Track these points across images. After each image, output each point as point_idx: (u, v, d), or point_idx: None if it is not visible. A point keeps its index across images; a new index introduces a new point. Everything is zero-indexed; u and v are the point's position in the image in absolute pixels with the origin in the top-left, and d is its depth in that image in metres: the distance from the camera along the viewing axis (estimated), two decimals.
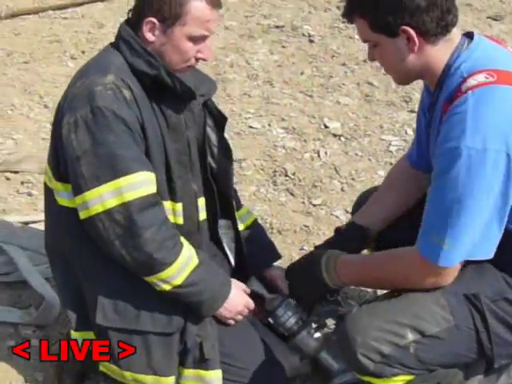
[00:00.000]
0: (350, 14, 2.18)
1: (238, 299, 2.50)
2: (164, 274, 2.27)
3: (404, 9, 2.03)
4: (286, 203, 3.79)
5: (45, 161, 2.61)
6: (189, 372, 2.43)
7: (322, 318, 2.63)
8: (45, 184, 2.49)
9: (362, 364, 2.15)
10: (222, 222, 2.70)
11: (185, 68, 2.37)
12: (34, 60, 5.58)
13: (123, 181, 2.18)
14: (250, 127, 4.55)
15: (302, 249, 3.41)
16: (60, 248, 2.49)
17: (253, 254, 2.76)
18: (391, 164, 3.96)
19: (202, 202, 2.55)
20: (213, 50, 5.43)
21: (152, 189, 2.25)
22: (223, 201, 2.68)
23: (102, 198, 2.19)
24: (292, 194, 3.85)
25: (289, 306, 2.56)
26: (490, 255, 2.06)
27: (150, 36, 2.28)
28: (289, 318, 2.54)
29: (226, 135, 2.67)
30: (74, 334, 2.51)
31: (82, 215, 2.25)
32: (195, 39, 2.30)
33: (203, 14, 2.27)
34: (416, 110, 2.68)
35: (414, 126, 2.61)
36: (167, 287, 2.31)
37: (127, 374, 2.43)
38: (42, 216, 3.26)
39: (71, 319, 2.50)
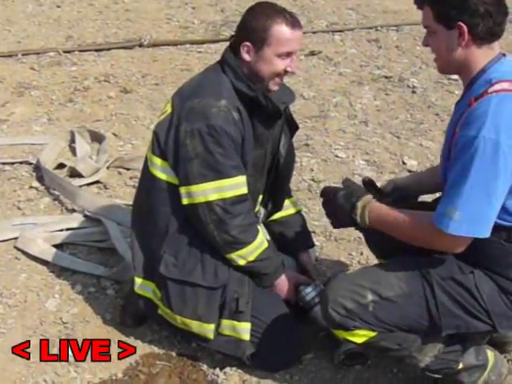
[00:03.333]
0: (421, 2, 2.49)
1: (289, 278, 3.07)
2: (242, 252, 2.86)
3: (465, 9, 2.36)
4: None
5: None
6: (225, 322, 2.91)
7: None
8: (146, 156, 3.00)
9: (331, 315, 2.51)
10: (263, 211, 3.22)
11: (277, 82, 2.85)
12: (164, 83, 6.18)
13: (225, 182, 2.77)
14: (336, 156, 4.90)
15: (350, 254, 3.81)
16: (142, 210, 3.04)
17: (292, 237, 3.28)
18: None
19: (260, 197, 3.11)
20: (322, 90, 5.98)
21: (244, 189, 2.83)
22: (277, 194, 3.19)
23: (205, 192, 2.77)
24: None
25: (312, 285, 3.03)
26: (487, 235, 2.34)
27: (246, 57, 2.82)
28: (307, 294, 3.01)
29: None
30: (138, 282, 3.02)
31: (185, 201, 2.83)
32: (281, 56, 2.77)
33: (284, 35, 2.75)
34: None
35: None
36: (242, 262, 2.88)
37: (178, 317, 2.94)
38: None
39: (139, 269, 3.02)
